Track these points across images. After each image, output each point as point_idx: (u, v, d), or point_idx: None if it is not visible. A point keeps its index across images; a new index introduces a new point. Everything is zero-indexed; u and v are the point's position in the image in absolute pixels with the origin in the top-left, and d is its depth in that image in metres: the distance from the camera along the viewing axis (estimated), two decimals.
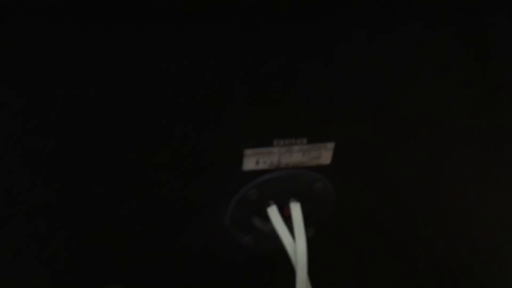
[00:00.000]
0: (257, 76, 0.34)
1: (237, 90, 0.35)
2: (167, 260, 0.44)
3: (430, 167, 0.44)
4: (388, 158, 0.43)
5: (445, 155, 0.42)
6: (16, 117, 0.31)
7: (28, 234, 0.38)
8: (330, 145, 0.40)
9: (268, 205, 0.42)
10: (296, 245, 0.41)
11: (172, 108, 0.35)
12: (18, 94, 0.31)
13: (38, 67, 0.30)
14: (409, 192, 0.44)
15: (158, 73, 0.32)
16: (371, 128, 0.41)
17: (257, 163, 0.40)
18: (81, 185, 0.37)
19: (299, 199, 0.42)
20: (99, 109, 0.33)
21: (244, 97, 0.36)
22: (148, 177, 0.38)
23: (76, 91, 0.31)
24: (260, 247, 0.45)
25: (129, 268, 0.44)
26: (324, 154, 0.41)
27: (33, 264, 0.40)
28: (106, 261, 0.42)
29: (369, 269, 0.53)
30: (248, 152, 0.39)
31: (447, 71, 0.36)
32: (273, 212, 0.41)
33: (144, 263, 0.44)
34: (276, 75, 0.35)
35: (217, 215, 0.42)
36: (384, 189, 0.45)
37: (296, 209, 0.41)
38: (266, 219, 0.42)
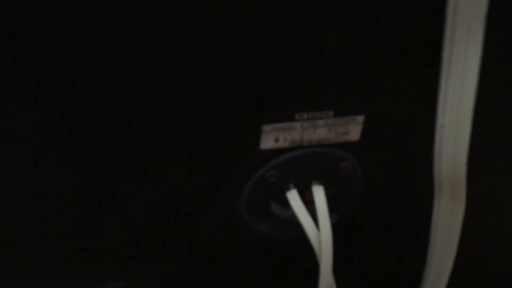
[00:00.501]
0: (275, 37, 0.30)
1: (252, 54, 0.31)
2: (178, 250, 0.41)
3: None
4: (423, 136, 0.38)
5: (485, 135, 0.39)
6: None
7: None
8: (360, 119, 0.36)
9: (288, 188, 0.38)
10: (320, 234, 0.37)
11: (177, 77, 0.31)
12: None
13: None
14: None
15: (172, 35, 0.29)
16: (406, 100, 0.36)
17: (277, 140, 0.36)
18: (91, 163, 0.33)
19: (322, 181, 0.38)
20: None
21: (260, 62, 0.31)
22: (155, 155, 0.34)
23: None
24: (279, 236, 0.41)
25: (139, 260, 0.40)
26: (353, 129, 0.37)
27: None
28: (113, 252, 0.39)
29: (398, 260, 0.49)
30: (266, 128, 0.35)
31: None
32: (294, 197, 0.38)
33: (155, 254, 0.40)
34: (297, 36, 0.31)
35: (231, 200, 0.38)
36: (417, 170, 0.41)
37: (319, 193, 0.38)
38: (286, 204, 0.38)
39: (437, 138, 0.37)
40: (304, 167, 0.37)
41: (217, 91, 0.32)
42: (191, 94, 0.32)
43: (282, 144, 0.36)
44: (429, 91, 0.36)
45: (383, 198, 0.43)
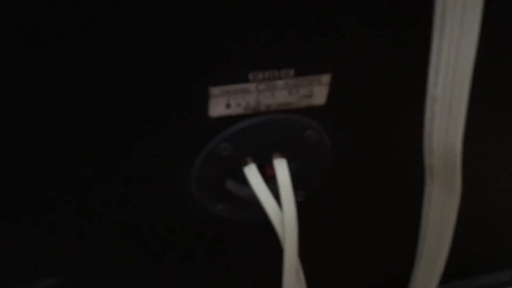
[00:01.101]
0: None
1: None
2: (121, 239, 0.36)
3: None
4: (402, 99, 0.34)
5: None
6: None
7: None
8: (326, 78, 0.32)
9: (246, 163, 0.34)
10: (284, 214, 0.33)
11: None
12: None
13: None
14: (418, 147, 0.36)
15: None
16: (385, 58, 0.32)
17: (228, 106, 0.31)
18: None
19: (285, 154, 0.34)
20: None
21: (203, 8, 0.26)
22: (84, 131, 0.29)
23: None
24: (238, 218, 0.37)
25: (73, 252, 0.36)
26: (318, 92, 0.32)
27: None
28: (45, 245, 0.35)
29: (374, 247, 0.46)
30: (214, 91, 0.30)
31: None
32: (252, 172, 0.34)
33: (91, 245, 0.36)
34: None
35: (178, 180, 0.34)
36: (399, 144, 0.37)
37: (281, 167, 0.34)
38: (243, 181, 0.34)
39: (428, 114, 0.32)
40: (262, 138, 0.33)
41: (151, 46, 0.27)
42: (120, 49, 0.27)
43: (235, 110, 0.31)
44: (416, 50, 0.31)
45: (355, 173, 0.39)
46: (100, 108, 0.29)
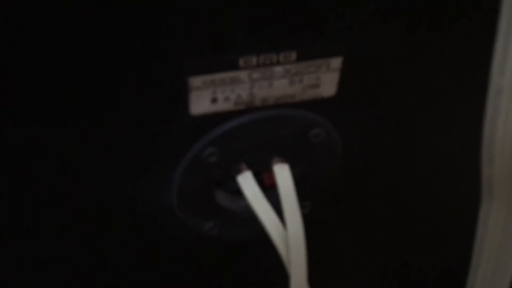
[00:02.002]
0: None
1: None
2: (99, 257, 0.32)
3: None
4: (434, 90, 0.30)
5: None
6: None
7: None
8: (336, 63, 0.27)
9: (239, 170, 0.30)
10: (288, 231, 0.29)
11: None
12: None
13: None
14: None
15: None
16: (406, 33, 0.27)
17: (214, 100, 0.26)
18: None
19: (287, 158, 0.30)
20: None
21: None
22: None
23: None
24: (230, 237, 0.33)
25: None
26: (326, 80, 0.27)
27: None
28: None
29: (389, 260, 0.41)
30: (195, 81, 0.25)
31: None
32: (247, 181, 0.30)
33: (55, 267, 0.31)
34: None
35: (155, 194, 0.29)
36: (419, 140, 0.33)
37: (283, 174, 0.30)
38: (237, 193, 0.30)
39: (489, 110, 0.27)
40: (258, 140, 0.29)
41: (114, 23, 0.22)
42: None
43: (222, 106, 0.26)
44: (456, 25, 0.26)
45: (371, 179, 0.34)
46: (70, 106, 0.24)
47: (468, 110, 0.30)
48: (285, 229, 0.30)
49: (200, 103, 0.25)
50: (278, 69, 0.25)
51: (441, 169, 0.34)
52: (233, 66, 0.25)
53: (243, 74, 0.25)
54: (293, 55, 0.25)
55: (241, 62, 0.25)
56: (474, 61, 0.28)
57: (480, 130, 0.29)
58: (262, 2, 0.23)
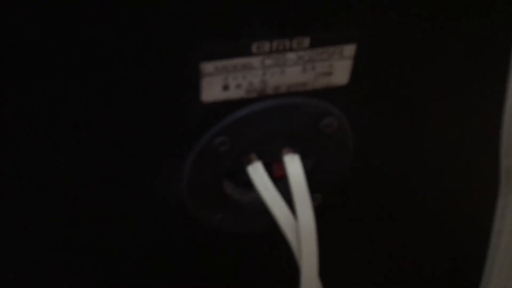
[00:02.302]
0: None
1: None
2: (105, 257, 0.31)
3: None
4: (450, 78, 0.29)
5: None
6: None
7: None
8: (349, 50, 0.26)
9: (249, 161, 0.29)
10: (299, 223, 0.29)
11: None
12: None
13: None
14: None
15: None
16: (424, 19, 0.26)
17: (226, 87, 0.25)
18: None
19: (298, 148, 0.29)
20: None
21: None
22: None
23: None
24: (240, 230, 0.32)
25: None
26: (339, 68, 0.26)
27: None
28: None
29: (401, 254, 0.40)
30: (207, 67, 0.24)
31: None
32: (257, 172, 0.29)
33: (62, 263, 0.31)
34: None
35: (164, 185, 0.29)
36: (436, 130, 0.32)
37: (294, 165, 0.29)
38: (247, 184, 0.29)
39: (509, 97, 0.26)
40: (269, 129, 0.28)
41: (128, 8, 0.21)
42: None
43: (234, 93, 0.26)
44: (475, 11, 0.26)
45: (384, 171, 0.33)
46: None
47: (486, 101, 0.29)
48: (296, 221, 0.29)
49: (212, 90, 0.25)
50: (291, 56, 0.25)
51: (456, 161, 0.33)
52: (246, 52, 0.24)
53: (255, 60, 0.24)
54: (306, 41, 0.24)
55: (253, 47, 0.24)
56: (492, 50, 0.27)
57: (497, 121, 0.28)
58: (275, 2, 0.23)
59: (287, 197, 0.29)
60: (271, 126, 0.28)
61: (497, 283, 0.34)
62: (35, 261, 0.30)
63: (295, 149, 0.29)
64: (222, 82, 0.25)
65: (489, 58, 0.28)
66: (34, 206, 0.27)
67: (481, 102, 0.30)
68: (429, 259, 0.40)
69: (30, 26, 0.21)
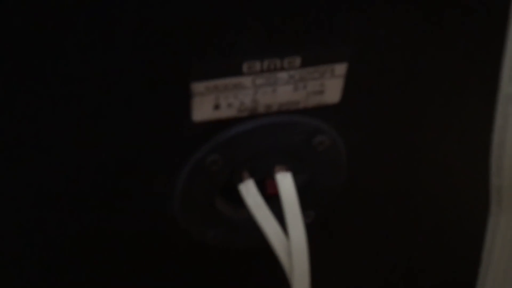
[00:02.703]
0: None
1: None
2: (97, 273, 0.31)
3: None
4: (443, 96, 0.29)
5: None
6: None
7: None
8: (341, 69, 0.26)
9: (241, 179, 0.29)
10: (290, 242, 0.29)
11: None
12: None
13: None
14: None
15: None
16: (414, 38, 0.26)
17: (217, 107, 0.26)
18: None
19: (290, 166, 0.29)
20: None
21: None
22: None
23: None
24: (232, 246, 0.32)
25: None
26: (331, 86, 0.26)
27: None
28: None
29: (394, 272, 0.40)
30: (198, 87, 0.24)
31: None
32: (249, 190, 0.29)
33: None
34: None
35: (156, 202, 0.29)
36: (427, 148, 0.32)
37: (286, 183, 0.29)
38: (239, 201, 0.29)
39: (499, 118, 0.27)
40: (261, 147, 0.28)
41: (116, 26, 0.21)
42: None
43: (225, 112, 0.26)
44: (465, 30, 0.26)
45: (376, 188, 0.33)
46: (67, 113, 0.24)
47: (478, 118, 0.29)
48: (288, 239, 0.29)
49: (203, 110, 0.25)
50: (282, 75, 0.25)
51: (448, 178, 0.33)
52: (237, 71, 0.24)
53: (246, 80, 0.24)
54: (298, 61, 0.25)
55: (244, 67, 0.24)
56: (482, 67, 0.28)
57: (490, 138, 0.28)
58: (266, 7, 0.23)
59: (281, 214, 0.29)
60: (263, 144, 0.28)
61: None
62: (23, 269, 0.30)
63: (288, 167, 0.29)
64: (213, 101, 0.25)
65: (480, 76, 0.28)
66: (22, 221, 0.27)
67: (473, 120, 0.30)
68: (421, 276, 0.40)
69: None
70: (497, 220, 0.31)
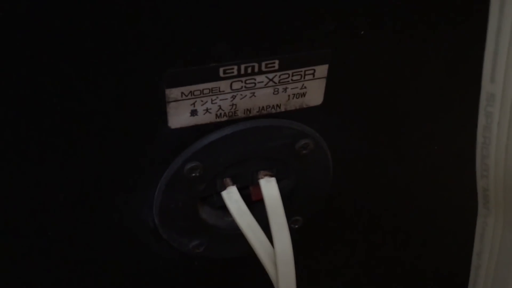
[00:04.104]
0: None
1: None
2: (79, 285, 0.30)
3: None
4: (427, 97, 0.28)
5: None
6: None
7: None
8: (322, 70, 0.25)
9: (224, 186, 0.28)
10: (276, 249, 0.27)
11: None
12: None
13: None
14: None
15: None
16: (397, 37, 0.25)
17: (194, 113, 0.24)
18: None
19: (274, 171, 0.28)
20: None
21: None
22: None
23: None
24: (216, 255, 0.31)
25: None
26: (312, 88, 0.25)
27: None
28: None
29: (383, 277, 0.39)
30: (173, 93, 0.23)
31: None
32: (232, 197, 0.28)
33: None
34: None
35: (135, 213, 0.27)
36: (412, 149, 0.31)
37: (270, 188, 0.28)
38: (223, 208, 0.28)
39: (481, 119, 0.25)
40: (243, 152, 0.27)
41: (90, 32, 0.20)
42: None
43: (203, 118, 0.25)
44: (449, 29, 0.25)
45: (363, 192, 0.32)
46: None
47: (462, 119, 0.28)
48: (273, 247, 0.27)
49: (179, 116, 0.24)
50: (261, 78, 0.24)
51: (435, 180, 0.32)
52: (213, 76, 0.23)
53: (223, 84, 0.23)
54: (276, 63, 0.24)
55: (221, 71, 0.23)
56: (465, 68, 0.27)
57: (474, 142, 0.27)
58: (241, 9, 0.22)
59: (264, 221, 0.27)
60: (244, 149, 0.26)
61: None
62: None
63: (272, 172, 0.28)
64: (189, 107, 0.24)
65: (464, 76, 0.27)
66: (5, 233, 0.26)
67: (457, 120, 0.29)
68: (411, 279, 0.39)
69: None
70: (485, 222, 0.30)
